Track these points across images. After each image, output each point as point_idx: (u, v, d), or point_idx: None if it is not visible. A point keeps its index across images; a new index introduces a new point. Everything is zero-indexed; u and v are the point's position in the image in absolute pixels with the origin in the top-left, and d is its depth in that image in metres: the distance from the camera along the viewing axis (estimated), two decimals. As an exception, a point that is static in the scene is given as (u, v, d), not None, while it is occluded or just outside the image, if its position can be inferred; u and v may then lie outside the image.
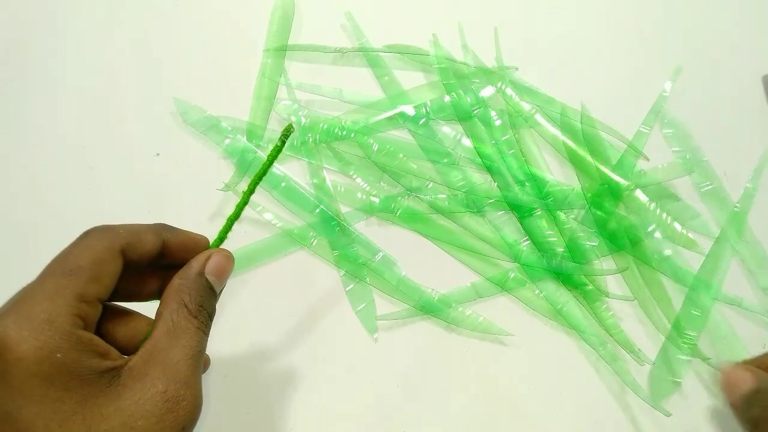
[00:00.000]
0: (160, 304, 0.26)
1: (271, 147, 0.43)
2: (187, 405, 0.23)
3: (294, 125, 0.29)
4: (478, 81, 0.45)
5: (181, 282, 0.27)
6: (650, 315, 0.40)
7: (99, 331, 0.26)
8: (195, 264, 0.27)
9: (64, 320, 0.23)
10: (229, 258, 0.28)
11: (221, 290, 0.28)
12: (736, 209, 0.43)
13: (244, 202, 0.30)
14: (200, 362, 0.25)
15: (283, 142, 0.30)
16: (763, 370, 0.30)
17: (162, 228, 0.28)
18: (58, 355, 0.22)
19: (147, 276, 0.28)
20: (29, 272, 0.42)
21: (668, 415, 0.37)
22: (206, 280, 0.27)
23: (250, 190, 0.30)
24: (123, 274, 0.26)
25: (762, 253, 0.42)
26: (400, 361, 0.39)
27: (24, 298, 0.23)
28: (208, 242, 0.29)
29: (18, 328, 0.22)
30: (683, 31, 0.48)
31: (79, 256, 0.25)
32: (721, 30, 0.49)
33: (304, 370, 0.39)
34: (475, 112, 0.45)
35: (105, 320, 0.27)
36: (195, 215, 0.42)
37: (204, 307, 0.26)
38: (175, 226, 0.28)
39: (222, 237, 0.30)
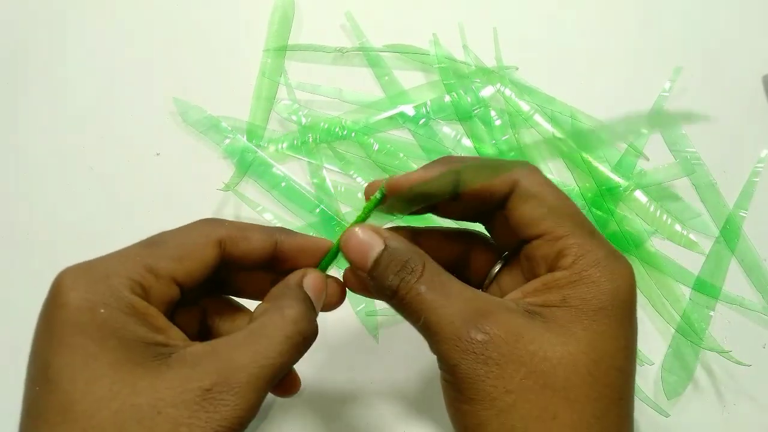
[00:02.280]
0: (259, 304, 0.25)
1: (271, 147, 0.43)
2: (228, 411, 0.21)
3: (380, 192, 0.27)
4: (478, 81, 0.45)
5: (280, 289, 0.25)
6: (661, 312, 0.40)
7: (203, 321, 0.26)
8: (292, 276, 0.26)
9: (121, 281, 0.22)
10: (324, 281, 0.26)
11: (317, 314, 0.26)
12: (733, 209, 0.43)
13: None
14: (273, 380, 0.22)
15: (373, 206, 0.27)
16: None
17: (277, 230, 0.26)
18: (102, 311, 0.21)
19: (262, 277, 0.27)
20: (29, 272, 0.42)
21: (667, 415, 0.37)
22: (305, 292, 0.25)
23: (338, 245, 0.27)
24: (230, 270, 0.25)
25: (755, 257, 0.42)
26: (400, 361, 0.39)
27: (102, 257, 0.23)
28: (329, 245, 0.27)
29: (75, 276, 0.22)
30: (683, 31, 0.48)
31: (169, 234, 0.24)
32: (721, 30, 0.49)
33: (303, 370, 0.39)
34: (476, 112, 0.45)
35: (213, 312, 0.26)
36: (195, 215, 0.41)
37: (306, 318, 0.23)
38: (281, 227, 0.27)
39: (325, 265, 0.27)
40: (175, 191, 0.43)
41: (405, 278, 0.24)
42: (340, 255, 0.26)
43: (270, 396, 0.38)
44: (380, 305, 0.41)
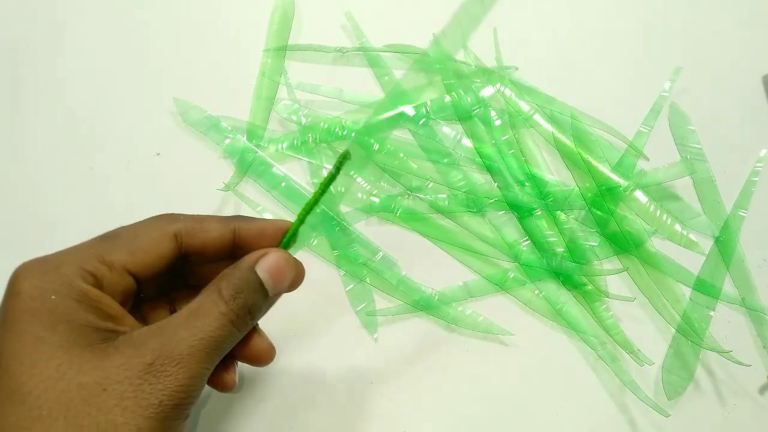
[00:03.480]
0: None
1: (271, 147, 0.43)
2: (171, 381, 0.22)
3: (350, 151, 0.27)
4: (478, 81, 0.45)
5: (225, 271, 0.25)
6: (661, 312, 0.40)
7: (174, 312, 0.26)
8: (247, 258, 0.26)
9: (72, 271, 0.23)
10: (288, 260, 0.26)
11: (277, 295, 0.27)
12: (733, 209, 0.43)
13: (295, 230, 0.28)
14: (213, 352, 0.23)
15: (338, 170, 0.27)
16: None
17: (234, 218, 0.27)
18: (53, 297, 0.22)
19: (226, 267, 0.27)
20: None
21: (667, 415, 0.37)
22: (255, 275, 0.25)
23: (300, 220, 0.27)
24: (193, 262, 0.26)
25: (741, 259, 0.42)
26: (400, 360, 0.39)
27: (59, 251, 0.24)
28: (285, 226, 0.27)
29: (29, 267, 0.23)
30: (683, 31, 0.48)
31: (125, 228, 0.25)
32: (721, 30, 0.49)
33: (303, 369, 0.39)
34: (476, 112, 0.45)
35: (182, 303, 0.27)
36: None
37: (242, 297, 0.24)
38: (239, 215, 0.27)
39: (287, 241, 0.27)
40: (175, 191, 0.43)
41: None
42: (301, 232, 0.27)
43: (270, 396, 0.38)
44: (380, 305, 0.41)
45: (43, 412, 0.21)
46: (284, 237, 0.27)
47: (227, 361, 0.27)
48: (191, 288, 0.28)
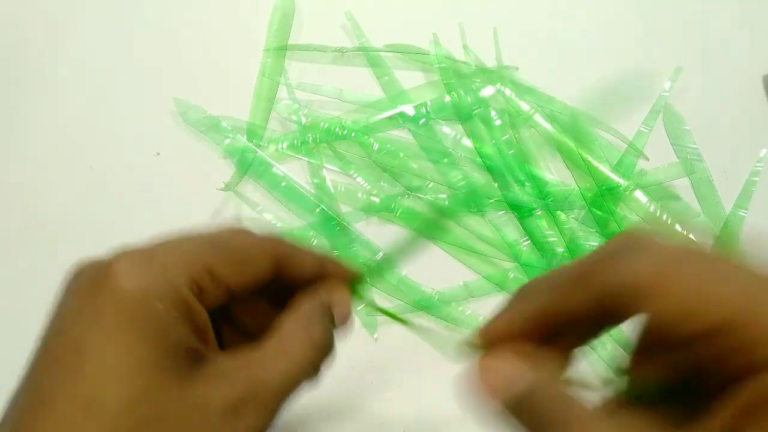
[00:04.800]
0: (283, 314, 0.23)
1: (271, 147, 0.43)
2: (251, 423, 0.20)
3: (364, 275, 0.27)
4: (478, 81, 0.45)
5: (308, 302, 0.24)
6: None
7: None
8: (322, 292, 0.24)
9: (180, 278, 0.20)
10: (349, 303, 0.25)
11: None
12: (733, 209, 0.43)
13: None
14: (291, 392, 0.22)
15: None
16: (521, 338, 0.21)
17: (327, 259, 0.25)
18: (158, 305, 0.19)
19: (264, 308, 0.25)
20: (29, 272, 0.42)
21: None
22: (331, 312, 0.24)
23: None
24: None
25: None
26: (400, 360, 0.39)
27: (161, 244, 0.21)
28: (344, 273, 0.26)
29: (131, 262, 0.20)
30: (683, 31, 0.48)
31: (232, 235, 0.23)
32: (721, 30, 0.49)
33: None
34: (476, 112, 0.45)
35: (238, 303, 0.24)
36: (195, 215, 0.42)
37: (328, 345, 0.23)
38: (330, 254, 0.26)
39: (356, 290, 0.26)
40: (175, 191, 0.43)
41: None
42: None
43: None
44: (380, 305, 0.40)
45: None
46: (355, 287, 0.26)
47: None
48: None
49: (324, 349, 0.23)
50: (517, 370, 0.21)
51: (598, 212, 0.43)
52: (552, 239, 0.42)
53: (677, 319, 0.17)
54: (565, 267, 0.21)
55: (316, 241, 0.42)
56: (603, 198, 0.43)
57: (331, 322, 0.24)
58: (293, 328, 0.23)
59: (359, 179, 0.43)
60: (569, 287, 0.20)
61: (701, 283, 0.17)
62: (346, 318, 0.25)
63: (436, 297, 0.40)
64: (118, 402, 0.18)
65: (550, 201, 0.43)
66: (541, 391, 0.20)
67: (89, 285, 0.20)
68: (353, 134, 0.44)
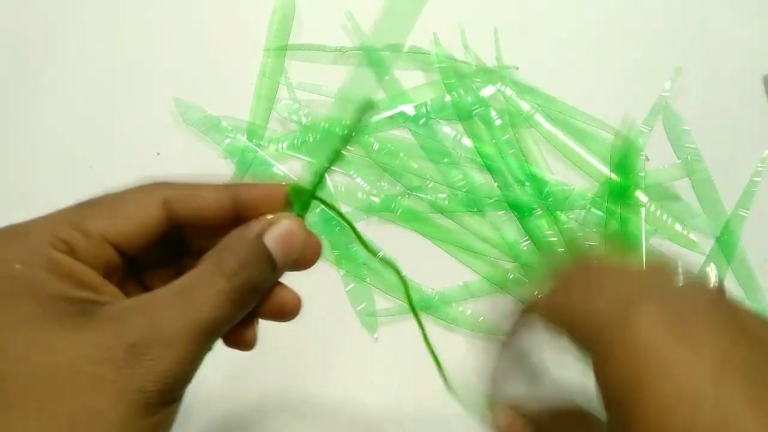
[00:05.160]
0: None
1: (272, 147, 0.43)
2: (155, 366, 0.19)
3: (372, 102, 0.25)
4: (478, 81, 0.45)
5: (225, 240, 0.22)
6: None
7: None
8: (252, 224, 0.22)
9: (42, 238, 0.20)
10: (302, 227, 0.23)
11: (284, 268, 0.23)
12: (735, 209, 0.43)
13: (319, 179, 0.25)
14: (207, 336, 0.20)
15: (360, 120, 0.24)
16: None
17: (234, 185, 0.23)
18: (17, 266, 0.19)
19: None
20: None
21: None
22: (263, 245, 0.22)
23: (316, 182, 0.24)
24: (189, 234, 0.23)
25: (747, 267, 0.42)
26: (400, 360, 0.39)
27: (31, 219, 0.22)
28: (283, 189, 0.24)
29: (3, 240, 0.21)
30: (683, 31, 0.48)
31: (107, 195, 0.22)
32: (722, 30, 0.49)
33: (303, 369, 0.39)
34: (476, 111, 0.45)
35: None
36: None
37: (246, 272, 0.21)
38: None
39: (301, 205, 0.24)
40: (175, 191, 0.43)
41: None
42: (317, 193, 0.24)
43: (270, 396, 0.38)
44: (380, 305, 0.41)
45: (10, 399, 0.18)
46: (296, 200, 0.24)
47: (246, 318, 0.23)
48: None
49: (237, 283, 0.21)
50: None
51: (598, 212, 0.43)
52: (552, 239, 0.42)
53: None
54: None
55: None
56: (604, 198, 0.43)
57: (258, 253, 0.22)
58: (204, 264, 0.21)
59: (359, 179, 0.43)
60: None
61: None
62: (291, 245, 0.23)
63: (436, 297, 0.40)
64: (4, 354, 0.18)
65: (550, 201, 0.43)
66: None
67: None
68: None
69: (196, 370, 0.21)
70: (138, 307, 0.20)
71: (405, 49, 0.47)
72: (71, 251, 0.21)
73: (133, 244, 0.22)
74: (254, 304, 0.23)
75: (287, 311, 0.24)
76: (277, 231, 0.22)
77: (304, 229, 0.23)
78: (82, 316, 0.19)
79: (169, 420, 0.20)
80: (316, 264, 0.25)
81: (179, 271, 0.24)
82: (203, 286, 0.20)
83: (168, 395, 0.20)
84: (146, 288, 0.24)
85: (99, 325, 0.19)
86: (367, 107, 0.24)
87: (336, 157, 0.24)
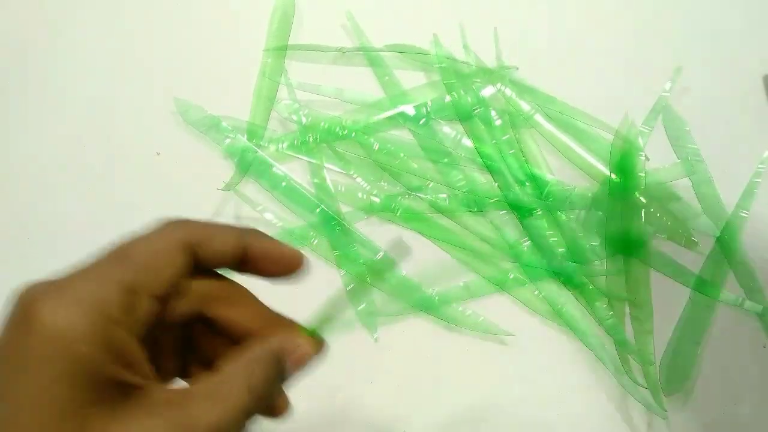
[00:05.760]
0: (231, 354, 0.23)
1: (272, 147, 0.43)
2: None
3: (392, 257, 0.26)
4: (479, 81, 0.45)
5: (260, 352, 0.23)
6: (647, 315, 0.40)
7: (186, 338, 0.24)
8: (285, 344, 0.24)
9: (98, 308, 0.19)
10: (317, 354, 0.25)
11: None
12: (735, 209, 0.43)
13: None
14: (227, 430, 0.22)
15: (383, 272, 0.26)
16: None
17: (247, 232, 0.25)
18: (82, 348, 0.19)
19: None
20: (29, 273, 0.41)
21: (665, 417, 0.37)
22: (284, 368, 0.24)
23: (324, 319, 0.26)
24: (196, 273, 0.23)
25: (749, 267, 0.42)
26: (399, 360, 0.39)
27: (70, 275, 0.20)
28: (299, 259, 0.25)
29: (46, 298, 0.19)
30: (683, 31, 0.48)
31: (133, 243, 0.22)
32: (722, 30, 0.49)
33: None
34: (476, 112, 0.45)
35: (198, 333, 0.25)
36: (196, 215, 0.42)
37: (267, 391, 0.23)
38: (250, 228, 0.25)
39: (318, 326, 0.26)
40: (175, 191, 0.43)
41: None
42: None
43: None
44: (380, 305, 0.41)
45: None
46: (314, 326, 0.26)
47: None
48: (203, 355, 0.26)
49: (261, 399, 0.22)
50: None
51: (598, 213, 0.43)
52: (552, 239, 0.42)
53: None
54: None
55: (316, 241, 0.42)
56: (604, 198, 0.43)
57: (279, 370, 0.23)
58: (235, 371, 0.22)
59: (359, 179, 0.43)
60: None
61: None
62: (301, 363, 0.25)
63: (436, 297, 0.40)
64: None
65: (550, 201, 0.43)
66: None
67: (9, 328, 0.20)
68: (353, 134, 0.44)
69: None
70: (172, 401, 0.21)
71: (405, 50, 0.47)
72: (126, 316, 0.20)
73: (166, 292, 0.22)
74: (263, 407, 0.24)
75: (276, 413, 0.26)
76: (298, 356, 0.24)
77: (317, 355, 0.26)
78: (122, 402, 0.20)
79: None
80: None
81: (184, 361, 0.25)
82: (231, 394, 0.22)
83: None
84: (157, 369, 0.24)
85: (136, 416, 0.20)
86: (385, 268, 0.26)
87: (344, 305, 0.26)
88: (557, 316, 0.40)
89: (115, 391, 0.19)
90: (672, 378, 0.39)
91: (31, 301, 0.19)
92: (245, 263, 0.25)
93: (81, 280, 0.20)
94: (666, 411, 0.38)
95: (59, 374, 0.18)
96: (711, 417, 0.39)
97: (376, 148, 0.44)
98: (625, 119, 0.45)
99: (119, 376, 0.20)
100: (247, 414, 0.22)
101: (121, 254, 0.21)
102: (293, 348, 0.24)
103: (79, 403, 0.19)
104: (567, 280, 0.41)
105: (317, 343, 0.25)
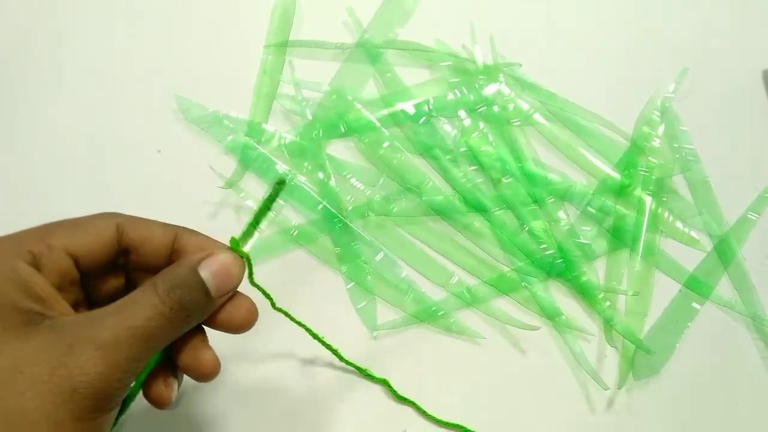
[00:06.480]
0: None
1: (273, 144, 0.43)
2: (89, 367, 0.21)
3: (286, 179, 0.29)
4: (481, 78, 0.45)
5: (167, 268, 0.25)
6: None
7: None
8: (189, 257, 0.25)
9: (10, 248, 0.23)
10: (236, 262, 0.26)
11: (221, 298, 0.25)
12: (744, 213, 0.43)
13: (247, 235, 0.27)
14: (140, 343, 0.22)
15: (275, 197, 0.28)
16: None
17: (179, 227, 0.27)
18: None
19: None
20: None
21: (606, 388, 0.38)
22: (198, 276, 0.24)
23: (247, 232, 0.27)
24: (134, 266, 0.26)
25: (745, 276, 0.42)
26: (399, 360, 0.39)
27: (6, 234, 0.24)
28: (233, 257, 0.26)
29: None
30: (683, 29, 0.48)
31: (72, 218, 0.26)
32: (721, 30, 0.48)
33: (303, 368, 0.39)
34: (478, 109, 0.45)
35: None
36: (196, 212, 0.42)
37: (178, 293, 0.23)
38: (185, 226, 0.27)
39: (242, 237, 0.27)
40: (176, 188, 0.43)
41: None
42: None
43: (269, 395, 0.38)
44: (380, 304, 0.41)
45: None
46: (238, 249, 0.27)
47: (166, 372, 0.26)
48: None
49: (172, 300, 0.23)
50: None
51: (593, 210, 0.43)
52: (550, 239, 0.42)
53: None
54: None
55: (318, 239, 0.42)
56: (603, 194, 0.43)
57: (184, 278, 0.24)
58: (144, 288, 0.24)
59: (359, 178, 0.43)
60: None
61: None
62: (223, 277, 0.25)
63: (440, 312, 0.40)
64: None
65: (549, 199, 0.43)
66: None
67: None
68: (355, 131, 0.44)
69: (131, 380, 0.23)
70: (81, 318, 0.22)
71: (407, 47, 0.46)
72: (35, 262, 0.23)
73: (89, 258, 0.25)
74: (188, 327, 0.25)
75: (202, 370, 0.26)
76: (213, 263, 0.25)
77: (240, 267, 0.26)
78: (29, 326, 0.21)
79: (102, 429, 0.22)
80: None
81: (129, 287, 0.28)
82: (138, 301, 0.23)
83: (100, 401, 0.21)
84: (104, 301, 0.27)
85: (43, 333, 0.21)
86: (282, 184, 0.28)
87: (261, 216, 0.27)
88: (556, 318, 0.40)
89: (21, 318, 0.22)
90: (643, 365, 0.39)
91: None
92: (176, 254, 0.26)
93: (8, 235, 0.24)
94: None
95: None
96: (711, 416, 0.39)
97: (377, 146, 0.43)
98: (637, 123, 0.45)
99: (27, 306, 0.22)
100: (162, 323, 0.23)
101: (55, 222, 0.25)
102: (210, 258, 0.25)
103: None
104: (566, 279, 0.41)
105: (237, 256, 0.26)
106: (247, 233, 0.27)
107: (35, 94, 0.45)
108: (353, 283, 0.41)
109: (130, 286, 0.28)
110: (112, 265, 0.26)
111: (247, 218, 0.40)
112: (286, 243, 0.42)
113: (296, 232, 0.42)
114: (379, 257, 0.41)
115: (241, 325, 0.27)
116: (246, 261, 0.27)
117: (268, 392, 0.38)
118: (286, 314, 0.31)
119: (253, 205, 0.42)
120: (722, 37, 0.48)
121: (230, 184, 0.43)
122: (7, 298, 0.22)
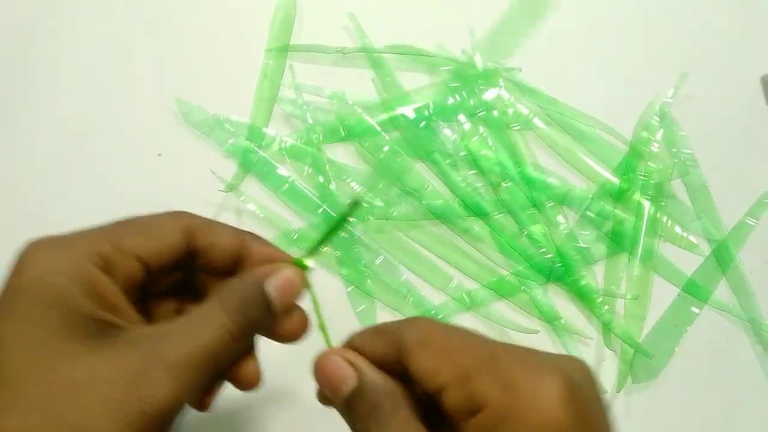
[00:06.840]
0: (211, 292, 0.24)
1: (274, 148, 0.43)
2: (159, 388, 0.21)
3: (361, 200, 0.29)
4: (481, 82, 0.45)
5: (231, 281, 0.24)
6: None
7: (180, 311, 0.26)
8: (255, 271, 0.24)
9: (83, 252, 0.22)
10: (300, 278, 0.25)
11: (280, 312, 0.25)
12: (743, 218, 0.43)
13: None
14: (208, 363, 0.22)
15: (350, 213, 0.27)
16: (359, 353, 0.25)
17: (247, 233, 0.26)
18: (55, 279, 0.21)
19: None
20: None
21: (604, 392, 0.38)
22: (264, 292, 0.24)
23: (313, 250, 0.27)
24: (198, 268, 0.25)
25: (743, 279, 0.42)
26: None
27: (72, 231, 0.23)
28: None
29: (37, 246, 0.22)
30: (682, 34, 0.48)
31: (139, 216, 0.25)
32: (721, 32, 0.49)
33: (303, 369, 0.39)
34: (478, 114, 0.45)
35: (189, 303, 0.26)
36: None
37: (245, 311, 0.23)
38: (252, 232, 0.27)
39: (309, 253, 0.26)
40: (176, 192, 0.43)
41: (371, 427, 0.23)
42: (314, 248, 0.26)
43: (269, 396, 0.38)
44: (380, 307, 0.41)
45: (23, 400, 0.20)
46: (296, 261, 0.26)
47: (247, 356, 0.26)
48: (200, 299, 0.27)
49: (237, 318, 0.23)
50: (346, 370, 0.24)
51: (597, 214, 0.43)
52: (549, 243, 0.42)
53: (426, 375, 0.22)
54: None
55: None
56: (601, 199, 0.43)
57: (250, 294, 0.24)
58: (208, 298, 0.24)
59: (358, 182, 0.43)
60: (377, 337, 0.25)
61: (444, 351, 0.22)
62: (288, 294, 0.25)
63: (433, 312, 0.40)
64: (24, 372, 0.20)
65: (548, 203, 0.43)
66: (367, 383, 0.23)
67: (8, 271, 0.22)
68: (355, 136, 0.44)
69: (194, 399, 0.23)
70: (150, 333, 0.22)
71: (407, 51, 0.47)
72: (106, 266, 0.22)
73: (156, 261, 0.24)
74: (250, 343, 0.25)
75: (248, 382, 0.26)
76: (278, 279, 0.24)
77: (302, 283, 0.26)
78: (102, 338, 0.21)
79: None
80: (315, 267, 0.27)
81: (180, 304, 0.27)
82: (206, 319, 0.23)
83: (163, 420, 0.21)
84: (150, 317, 0.26)
85: (116, 347, 0.21)
86: (357, 204, 0.28)
87: (331, 236, 0.27)
88: (555, 321, 0.40)
89: (95, 328, 0.21)
90: (642, 368, 0.39)
91: (27, 250, 0.22)
92: (244, 265, 0.26)
93: (77, 236, 0.23)
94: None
95: (42, 311, 0.21)
96: (711, 417, 0.39)
97: (377, 150, 0.44)
98: (636, 127, 0.45)
99: (100, 316, 0.21)
100: (229, 341, 0.23)
101: (122, 220, 0.24)
102: (275, 274, 0.24)
103: (60, 336, 0.21)
104: (563, 280, 0.41)
105: (300, 270, 0.26)
106: (314, 249, 0.26)
107: (35, 96, 0.45)
108: (353, 287, 0.41)
109: (185, 285, 0.27)
110: (176, 267, 0.26)
111: (247, 222, 0.40)
112: (286, 246, 0.42)
113: (296, 236, 0.42)
114: (378, 261, 0.41)
115: (294, 336, 0.27)
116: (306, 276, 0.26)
117: (274, 396, 0.38)
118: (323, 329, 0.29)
119: (254, 208, 0.42)
120: (721, 42, 0.48)
121: (231, 188, 0.43)
122: (80, 306, 0.21)
